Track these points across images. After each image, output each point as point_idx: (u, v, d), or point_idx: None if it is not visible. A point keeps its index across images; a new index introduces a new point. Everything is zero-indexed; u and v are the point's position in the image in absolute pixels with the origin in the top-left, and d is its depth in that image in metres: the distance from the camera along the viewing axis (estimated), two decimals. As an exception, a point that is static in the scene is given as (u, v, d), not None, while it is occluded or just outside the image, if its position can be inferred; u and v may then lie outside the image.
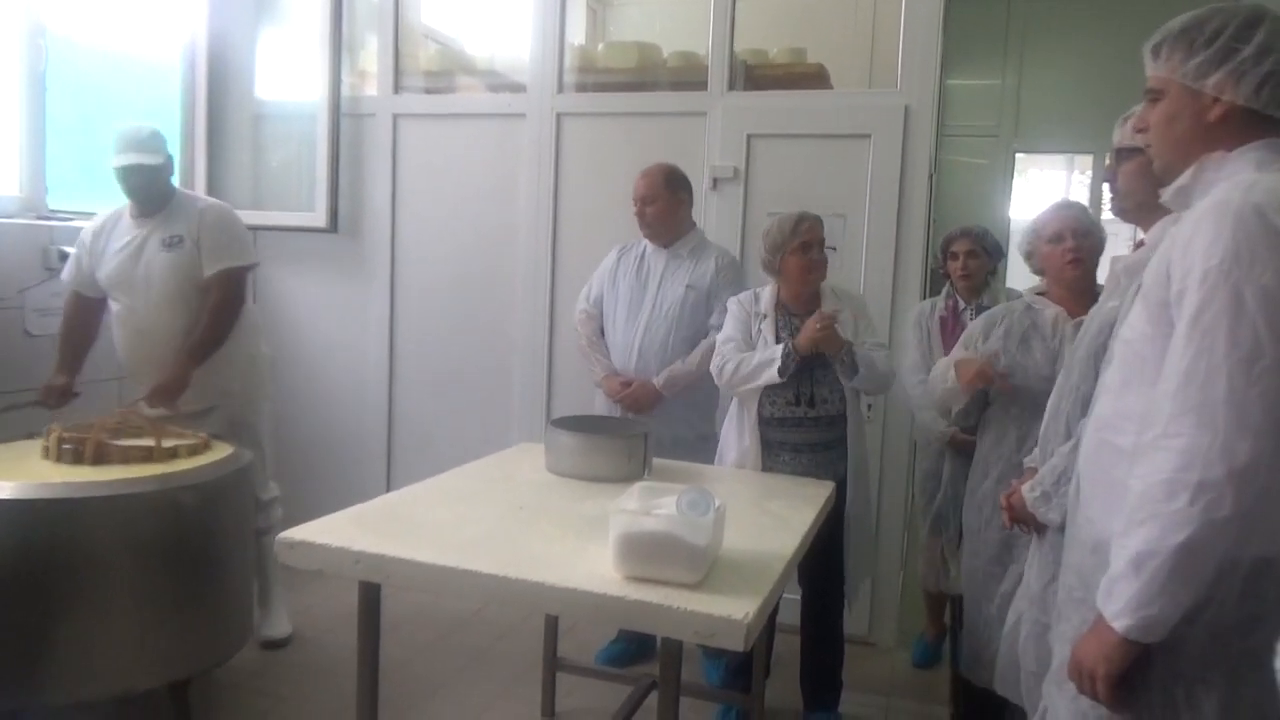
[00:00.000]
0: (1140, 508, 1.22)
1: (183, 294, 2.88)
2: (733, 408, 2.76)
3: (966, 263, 3.15)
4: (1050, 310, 2.36)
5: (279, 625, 3.13)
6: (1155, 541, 1.19)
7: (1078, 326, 2.25)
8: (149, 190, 2.89)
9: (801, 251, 2.63)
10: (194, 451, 2.55)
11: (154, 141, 2.86)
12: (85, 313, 2.98)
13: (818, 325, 2.51)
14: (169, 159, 2.91)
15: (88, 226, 3.01)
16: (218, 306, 2.89)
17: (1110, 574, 1.26)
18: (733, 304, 2.77)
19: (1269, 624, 1.22)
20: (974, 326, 2.53)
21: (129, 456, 2.44)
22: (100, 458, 2.41)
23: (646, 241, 3.15)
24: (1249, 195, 1.22)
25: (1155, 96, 1.40)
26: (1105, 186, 2.06)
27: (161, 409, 2.74)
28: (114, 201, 2.98)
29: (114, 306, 2.94)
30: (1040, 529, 1.82)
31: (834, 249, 3.07)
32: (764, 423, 2.65)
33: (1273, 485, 1.18)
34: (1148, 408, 1.27)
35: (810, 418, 2.63)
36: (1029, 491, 1.81)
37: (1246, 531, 1.19)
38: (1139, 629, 1.23)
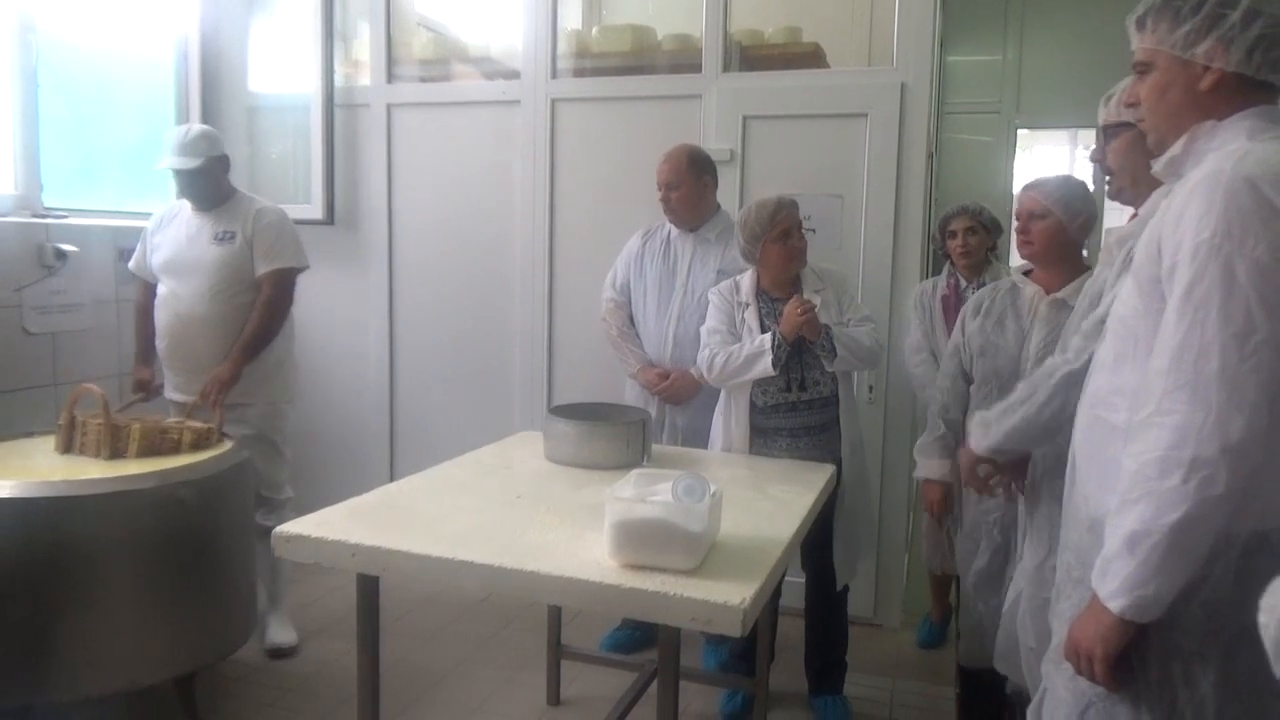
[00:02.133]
0: (1134, 486, 1.21)
1: (225, 287, 2.96)
2: (722, 397, 2.74)
3: (965, 240, 3.12)
4: (1030, 289, 2.34)
5: (287, 632, 3.11)
6: (1150, 521, 1.18)
7: (1052, 304, 2.25)
8: (194, 190, 2.98)
9: (781, 239, 2.60)
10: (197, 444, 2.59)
11: (196, 145, 2.92)
12: (151, 301, 3.07)
13: (798, 311, 2.49)
14: (215, 160, 2.96)
15: (154, 214, 3.14)
16: (268, 303, 2.97)
17: (1105, 554, 1.25)
18: (714, 294, 2.74)
19: None
20: (966, 308, 2.53)
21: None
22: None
23: (670, 225, 3.11)
24: (1240, 167, 1.20)
25: (1144, 69, 1.38)
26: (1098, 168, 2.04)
27: (212, 403, 2.81)
28: (108, 198, 2.99)
29: (160, 289, 3.04)
30: (1017, 496, 1.84)
31: (813, 231, 3.03)
32: (757, 411, 2.63)
33: (1267, 461, 1.16)
34: (1141, 384, 1.26)
35: (804, 401, 2.61)
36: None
37: (1241, 507, 1.18)
38: (1135, 609, 1.22)
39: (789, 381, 2.60)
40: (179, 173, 2.93)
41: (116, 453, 2.45)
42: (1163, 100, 1.36)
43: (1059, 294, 2.24)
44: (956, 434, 2.56)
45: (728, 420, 2.69)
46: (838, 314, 2.63)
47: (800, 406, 2.61)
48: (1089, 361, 1.52)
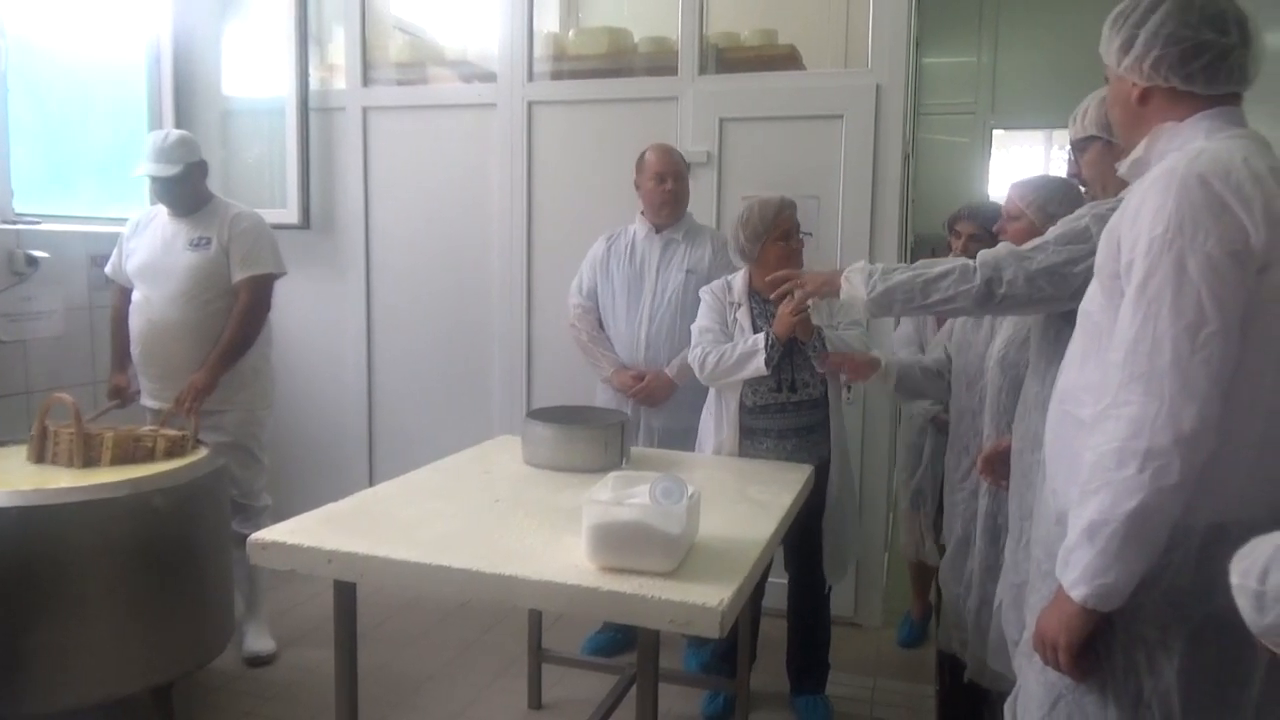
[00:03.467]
0: (1093, 477, 1.24)
1: (199, 293, 2.93)
2: (710, 397, 2.74)
3: (967, 245, 3.12)
4: None
5: (265, 640, 3.08)
6: (1107, 510, 1.21)
7: None
8: (172, 197, 2.96)
9: (782, 240, 2.61)
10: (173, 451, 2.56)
11: (175, 151, 2.89)
12: (127, 306, 3.05)
13: (791, 312, 2.50)
14: (193, 166, 2.93)
15: (130, 219, 3.11)
16: (245, 310, 2.95)
17: (1066, 544, 1.28)
18: (705, 293, 2.74)
19: (1226, 589, 1.23)
20: None
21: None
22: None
23: (635, 227, 3.11)
24: (1194, 164, 1.23)
25: (1107, 81, 1.45)
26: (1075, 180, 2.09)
27: (187, 410, 2.77)
28: (80, 204, 2.95)
29: (135, 295, 3.01)
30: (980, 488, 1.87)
31: (810, 234, 3.05)
32: (746, 411, 2.63)
33: (1221, 451, 1.19)
34: (1103, 378, 1.28)
35: (793, 403, 2.62)
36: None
37: (1198, 498, 1.21)
38: (1096, 597, 1.24)
39: (780, 382, 2.60)
40: (156, 179, 2.90)
41: (89, 461, 2.42)
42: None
43: None
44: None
45: (719, 420, 2.69)
46: (828, 317, 2.65)
47: (789, 408, 2.62)
48: (996, 271, 1.65)
